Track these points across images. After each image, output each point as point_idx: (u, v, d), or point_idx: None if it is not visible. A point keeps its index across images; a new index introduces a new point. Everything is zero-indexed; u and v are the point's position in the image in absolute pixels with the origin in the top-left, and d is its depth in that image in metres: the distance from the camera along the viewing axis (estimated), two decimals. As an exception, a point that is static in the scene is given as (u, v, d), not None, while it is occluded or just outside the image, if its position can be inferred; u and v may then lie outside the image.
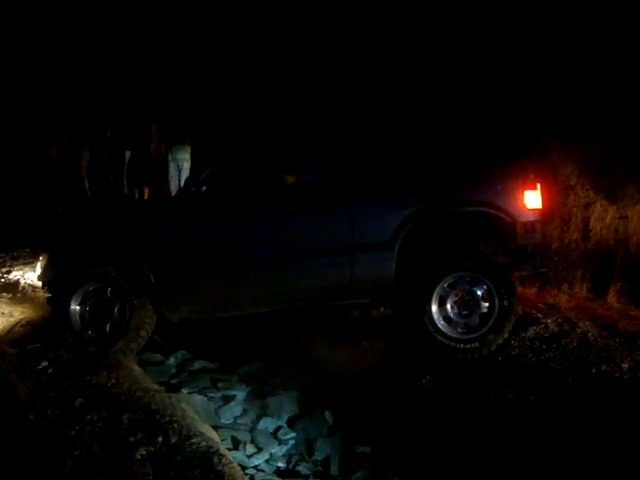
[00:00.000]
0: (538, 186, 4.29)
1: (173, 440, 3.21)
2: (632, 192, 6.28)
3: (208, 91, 11.34)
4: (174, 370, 4.76)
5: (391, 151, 4.66)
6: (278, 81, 10.71)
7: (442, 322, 4.22)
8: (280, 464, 3.83)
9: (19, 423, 3.11)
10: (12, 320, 5.11)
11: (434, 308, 4.21)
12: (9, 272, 6.28)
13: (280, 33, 10.89)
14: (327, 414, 4.20)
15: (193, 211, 4.34)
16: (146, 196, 9.49)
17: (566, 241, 5.88)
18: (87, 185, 10.28)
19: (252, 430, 4.11)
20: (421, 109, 7.03)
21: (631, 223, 5.87)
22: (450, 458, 3.57)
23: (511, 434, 3.48)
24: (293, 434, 4.09)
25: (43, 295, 5.54)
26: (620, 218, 6.03)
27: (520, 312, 4.50)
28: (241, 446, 3.88)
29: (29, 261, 6.55)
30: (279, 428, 4.13)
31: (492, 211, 4.21)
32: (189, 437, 3.25)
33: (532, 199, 4.23)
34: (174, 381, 4.59)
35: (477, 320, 4.22)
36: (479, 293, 4.20)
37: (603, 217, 5.95)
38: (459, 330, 4.24)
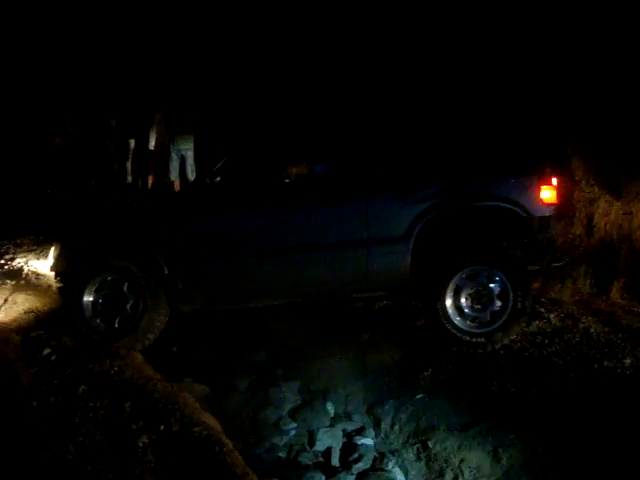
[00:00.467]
0: (554, 181, 4.29)
1: (175, 428, 3.22)
2: (637, 188, 6.24)
3: (213, 81, 11.30)
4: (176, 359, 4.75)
5: (406, 145, 4.65)
6: (287, 73, 10.64)
7: (454, 311, 4.23)
8: (281, 454, 3.85)
9: (23, 410, 3.13)
10: (15, 307, 5.12)
11: (448, 296, 4.22)
12: (13, 259, 6.28)
13: (289, 23, 10.81)
14: (329, 405, 4.21)
15: (208, 202, 4.35)
16: (149, 185, 9.50)
17: (570, 236, 5.86)
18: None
19: (254, 420, 4.13)
20: (436, 104, 7.02)
21: (635, 219, 5.83)
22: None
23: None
24: (294, 424, 4.11)
25: (46, 282, 5.57)
26: (625, 214, 6.00)
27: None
28: (242, 436, 3.88)
29: (33, 248, 6.57)
30: (280, 418, 4.14)
31: (508, 205, 4.21)
32: (191, 426, 3.25)
33: (548, 194, 4.23)
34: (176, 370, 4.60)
35: (488, 317, 4.24)
36: (495, 290, 4.21)
37: (608, 213, 5.92)
38: (468, 323, 4.26)
